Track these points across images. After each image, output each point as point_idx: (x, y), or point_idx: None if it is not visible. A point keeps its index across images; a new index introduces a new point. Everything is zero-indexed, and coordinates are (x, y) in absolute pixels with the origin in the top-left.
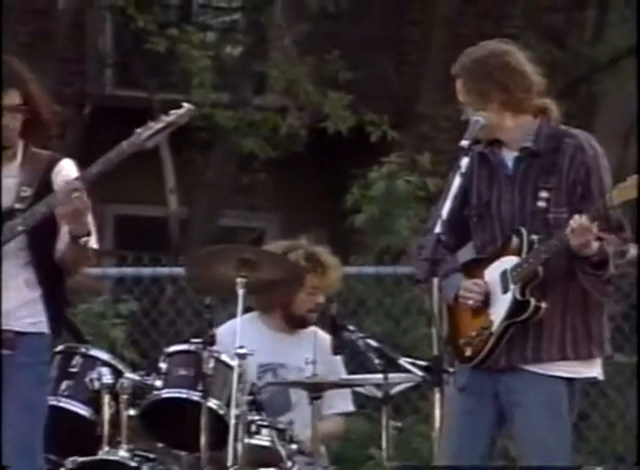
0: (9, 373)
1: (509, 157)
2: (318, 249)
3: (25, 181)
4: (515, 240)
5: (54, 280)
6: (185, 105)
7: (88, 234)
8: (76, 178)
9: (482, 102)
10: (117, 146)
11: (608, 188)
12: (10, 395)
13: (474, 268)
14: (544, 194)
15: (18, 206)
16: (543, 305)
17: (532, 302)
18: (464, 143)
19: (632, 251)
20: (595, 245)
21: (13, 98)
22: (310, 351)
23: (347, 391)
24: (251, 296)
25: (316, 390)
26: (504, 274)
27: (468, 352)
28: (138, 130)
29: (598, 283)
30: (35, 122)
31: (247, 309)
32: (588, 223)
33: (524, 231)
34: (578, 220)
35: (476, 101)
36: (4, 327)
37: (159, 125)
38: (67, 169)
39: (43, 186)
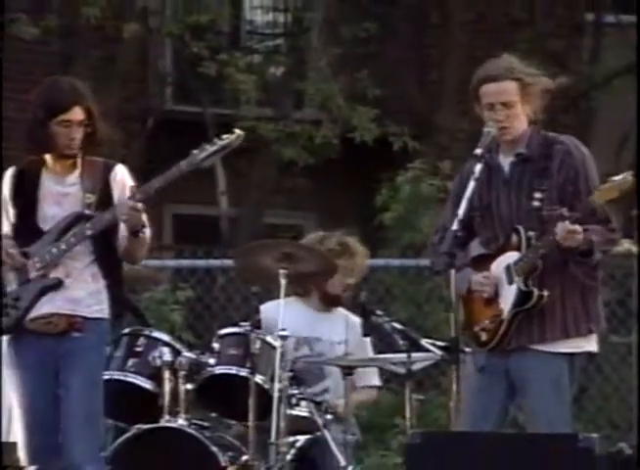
0: (78, 352)
1: (505, 162)
2: (348, 237)
3: (88, 188)
4: (514, 237)
5: (115, 273)
6: (236, 131)
7: (143, 226)
8: (139, 191)
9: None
10: (176, 165)
11: (595, 185)
12: (76, 371)
13: (482, 263)
14: (538, 195)
15: (87, 212)
16: (545, 293)
17: (535, 292)
18: (478, 151)
19: (625, 244)
20: (580, 237)
21: (78, 114)
22: (342, 327)
23: (374, 368)
24: (290, 285)
25: (348, 367)
26: (508, 268)
27: (483, 338)
28: (194, 152)
29: (586, 269)
30: (93, 136)
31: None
32: (572, 227)
33: (521, 229)
34: (562, 227)
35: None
36: (75, 313)
37: (213, 148)
38: (121, 174)
39: (104, 192)
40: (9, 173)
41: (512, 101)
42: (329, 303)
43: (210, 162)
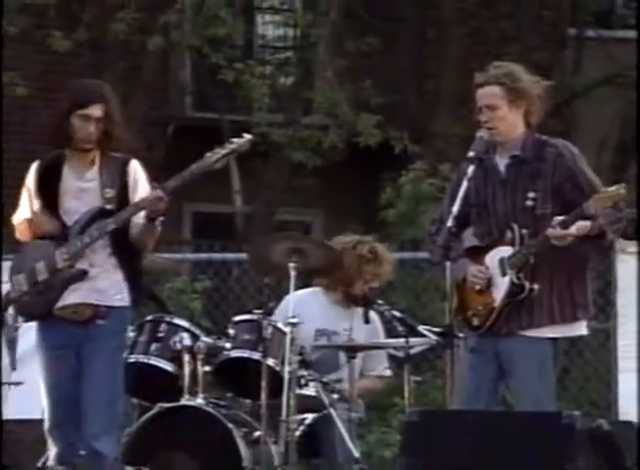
0: (100, 338)
1: (501, 163)
2: (379, 245)
3: (107, 183)
4: (509, 234)
5: (132, 264)
6: (246, 135)
7: (162, 215)
8: (159, 189)
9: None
10: (190, 167)
11: (592, 179)
12: (97, 354)
13: (476, 254)
14: (532, 194)
15: (108, 207)
16: (535, 286)
17: (527, 285)
18: (471, 154)
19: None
20: (569, 239)
21: (97, 111)
22: (360, 325)
23: (385, 357)
24: (300, 277)
25: (351, 351)
26: (502, 261)
27: (475, 322)
28: (207, 154)
29: (600, 249)
30: (109, 135)
31: (308, 285)
32: (558, 233)
33: (516, 227)
34: (552, 232)
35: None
36: (98, 302)
37: (224, 151)
38: (136, 169)
39: (122, 187)
40: (34, 167)
41: (495, 104)
42: (351, 301)
43: (223, 163)
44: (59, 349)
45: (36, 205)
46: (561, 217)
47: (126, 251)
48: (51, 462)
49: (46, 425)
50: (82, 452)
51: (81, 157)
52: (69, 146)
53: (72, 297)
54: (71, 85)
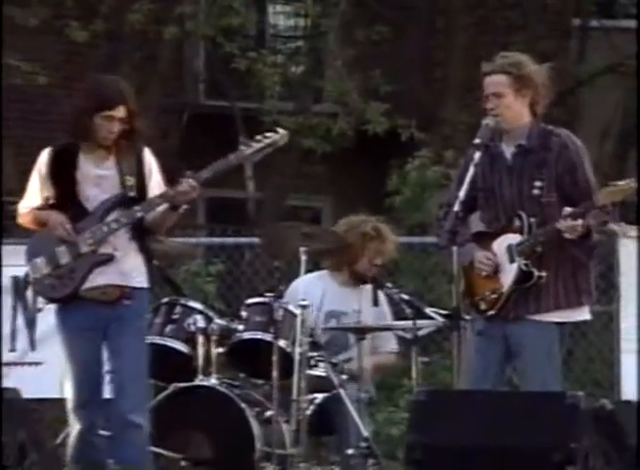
0: (127, 318)
1: (507, 151)
2: (382, 224)
3: (127, 171)
4: (517, 222)
5: (149, 248)
6: (281, 131)
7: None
8: (192, 179)
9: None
10: (225, 158)
11: (589, 178)
12: (127, 335)
13: (484, 239)
14: (538, 183)
15: (131, 194)
16: (543, 273)
17: (535, 272)
18: (477, 141)
19: (613, 226)
20: (579, 230)
21: (121, 112)
22: (368, 302)
23: (393, 336)
24: (311, 260)
25: (360, 332)
26: (509, 248)
27: (482, 306)
28: (242, 147)
29: (585, 248)
30: (129, 133)
31: (318, 268)
32: (572, 224)
33: (524, 215)
34: (564, 224)
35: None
36: (124, 284)
37: (259, 145)
38: (149, 157)
39: (140, 175)
40: (46, 153)
41: (501, 92)
42: (357, 280)
43: (257, 157)
44: (86, 330)
45: (48, 191)
46: (570, 209)
47: (143, 235)
48: (72, 439)
49: (70, 404)
50: (102, 432)
51: (98, 147)
52: (88, 141)
53: (100, 279)
54: (95, 84)
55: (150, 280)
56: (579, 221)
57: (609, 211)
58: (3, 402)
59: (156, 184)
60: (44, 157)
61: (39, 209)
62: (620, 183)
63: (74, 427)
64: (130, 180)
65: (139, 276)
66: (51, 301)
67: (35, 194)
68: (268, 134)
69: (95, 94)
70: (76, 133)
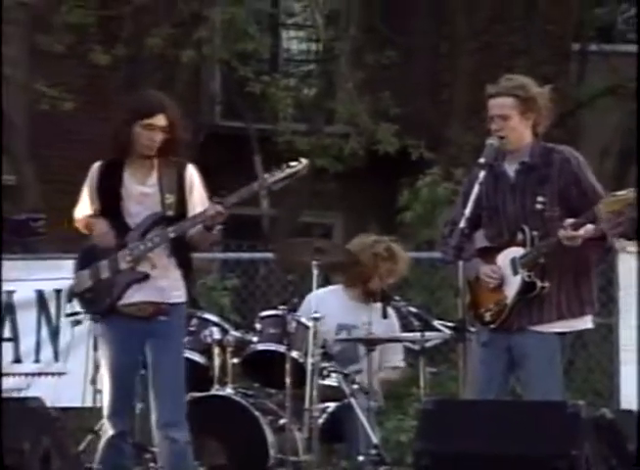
0: (165, 334)
1: (510, 169)
2: (394, 244)
3: (167, 189)
4: (520, 235)
5: (188, 264)
6: (303, 160)
7: (219, 225)
8: (219, 204)
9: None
10: (249, 186)
11: (594, 185)
12: (165, 350)
13: (488, 254)
14: (540, 198)
15: (169, 213)
16: (546, 284)
17: (538, 283)
18: (481, 160)
19: (614, 242)
20: (578, 240)
21: (162, 121)
22: (378, 318)
23: (401, 350)
24: (323, 273)
25: (370, 344)
26: (513, 261)
27: (487, 318)
28: (266, 176)
29: (600, 251)
30: (172, 140)
31: (329, 281)
32: (570, 234)
33: (527, 229)
34: (564, 233)
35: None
36: (160, 300)
37: (282, 175)
38: (192, 174)
39: (181, 192)
40: (95, 167)
41: (507, 114)
42: (368, 296)
43: (279, 186)
44: (123, 342)
45: (95, 204)
46: (572, 220)
47: (183, 252)
48: (102, 444)
49: (106, 412)
50: (130, 441)
51: (141, 163)
52: (130, 152)
53: (137, 296)
54: (136, 97)
55: (189, 294)
56: (580, 231)
57: (623, 213)
58: (28, 411)
59: (198, 200)
60: (94, 170)
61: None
62: (620, 193)
63: (106, 433)
64: (170, 198)
65: (176, 292)
66: (91, 313)
67: (86, 204)
68: (291, 163)
69: (135, 104)
70: (118, 146)
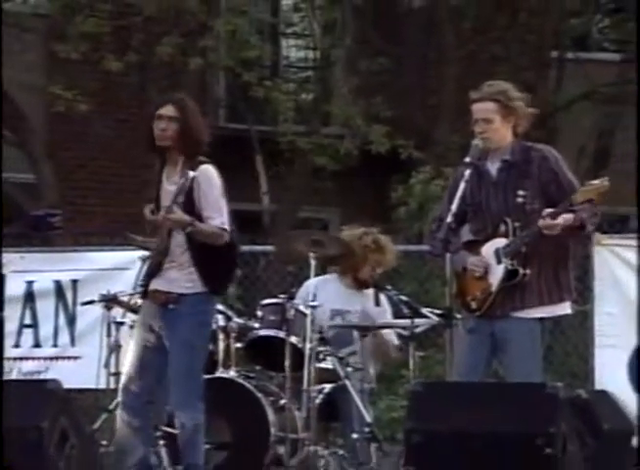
0: (173, 321)
1: (492, 167)
2: (382, 236)
3: (179, 189)
4: (502, 227)
5: (204, 258)
6: None
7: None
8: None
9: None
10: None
11: (571, 179)
12: (173, 336)
13: (473, 246)
14: (521, 192)
15: (174, 209)
16: (528, 271)
17: (520, 271)
18: (467, 159)
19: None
20: (558, 228)
21: (170, 111)
22: (370, 304)
23: (392, 333)
24: (320, 265)
25: (363, 330)
26: (497, 251)
27: (473, 306)
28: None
29: (580, 239)
30: (185, 134)
31: (325, 272)
32: (549, 223)
33: (509, 221)
34: (543, 223)
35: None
36: (168, 289)
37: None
38: (203, 174)
39: (190, 191)
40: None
41: (490, 118)
42: (359, 285)
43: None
44: (146, 323)
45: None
46: (550, 210)
47: (200, 248)
48: (119, 421)
49: (120, 387)
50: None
51: (172, 161)
52: (154, 146)
53: (153, 284)
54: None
55: (210, 287)
56: (558, 220)
57: (596, 205)
58: (46, 392)
59: (206, 200)
60: (156, 169)
61: None
62: (594, 182)
63: (120, 407)
64: (181, 197)
65: (187, 283)
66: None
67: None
68: None
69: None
70: (147, 145)
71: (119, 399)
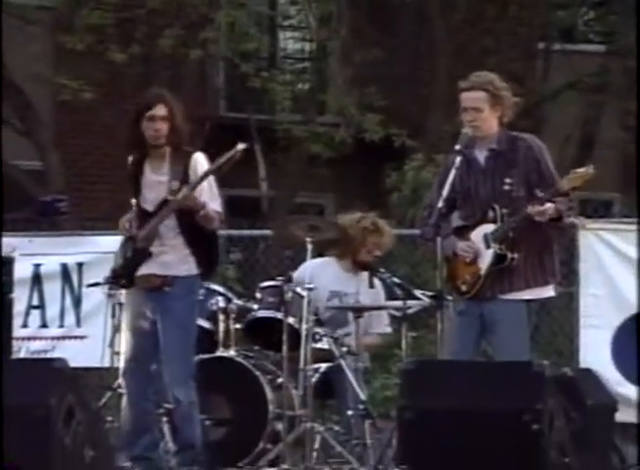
0: (168, 302)
1: (480, 156)
2: (380, 220)
3: (174, 177)
4: (491, 213)
5: (198, 242)
6: (239, 146)
7: (202, 208)
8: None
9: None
10: (204, 172)
11: (553, 170)
12: (168, 317)
13: (463, 232)
14: (508, 180)
15: (169, 197)
16: (515, 255)
17: (509, 255)
18: (457, 147)
19: (574, 219)
20: (549, 212)
21: (162, 110)
22: (366, 287)
23: (386, 317)
24: (316, 249)
25: (358, 311)
26: (485, 236)
27: (463, 289)
28: (209, 167)
29: (558, 230)
30: (176, 130)
31: (321, 256)
32: (542, 209)
33: (497, 207)
34: (532, 209)
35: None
36: (164, 273)
37: (222, 160)
38: (198, 162)
39: (185, 179)
40: (129, 160)
41: (480, 107)
42: (357, 267)
43: (225, 168)
44: (138, 310)
45: (132, 195)
46: (540, 194)
47: (191, 230)
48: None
49: (122, 371)
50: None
51: (156, 153)
52: (143, 147)
53: (144, 269)
54: (138, 98)
55: (203, 270)
56: (547, 205)
57: (572, 199)
58: (53, 370)
59: (204, 186)
60: (128, 164)
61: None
62: (580, 170)
63: (125, 389)
64: (174, 185)
65: (182, 266)
66: (121, 287)
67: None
68: (228, 153)
69: (139, 104)
70: (130, 145)
71: (123, 384)
